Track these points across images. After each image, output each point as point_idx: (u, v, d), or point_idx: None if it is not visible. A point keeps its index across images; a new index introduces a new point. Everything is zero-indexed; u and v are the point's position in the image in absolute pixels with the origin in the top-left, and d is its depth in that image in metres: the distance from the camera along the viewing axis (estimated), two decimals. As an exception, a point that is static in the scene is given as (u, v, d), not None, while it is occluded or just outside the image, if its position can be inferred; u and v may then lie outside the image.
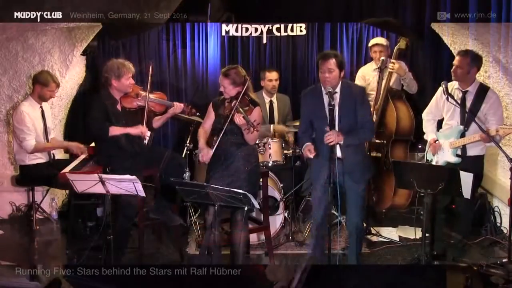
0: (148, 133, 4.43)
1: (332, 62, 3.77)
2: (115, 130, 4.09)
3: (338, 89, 3.84)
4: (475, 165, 4.18)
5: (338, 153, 3.83)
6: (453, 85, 4.28)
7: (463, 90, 4.20)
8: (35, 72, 5.20)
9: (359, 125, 3.84)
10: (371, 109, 4.99)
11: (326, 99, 3.83)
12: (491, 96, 4.16)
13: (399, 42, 5.30)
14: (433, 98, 4.46)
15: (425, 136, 4.46)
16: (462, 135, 4.17)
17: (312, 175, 4.13)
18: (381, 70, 5.27)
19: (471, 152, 4.19)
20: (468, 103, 4.17)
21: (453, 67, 4.20)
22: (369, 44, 5.58)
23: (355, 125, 3.83)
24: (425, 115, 4.49)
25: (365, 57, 6.01)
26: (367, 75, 5.58)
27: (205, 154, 3.90)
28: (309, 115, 4.00)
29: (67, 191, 5.52)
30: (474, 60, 4.14)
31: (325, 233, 3.97)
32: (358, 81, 5.58)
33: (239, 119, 3.69)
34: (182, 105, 4.31)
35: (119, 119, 4.14)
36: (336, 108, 3.81)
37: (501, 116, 4.17)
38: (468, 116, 4.13)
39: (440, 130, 4.38)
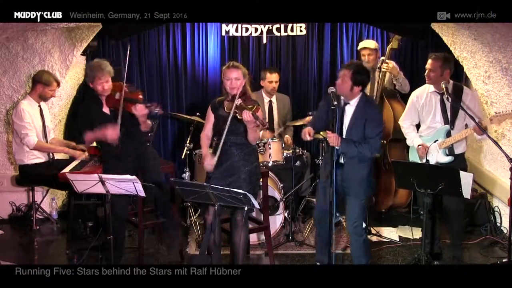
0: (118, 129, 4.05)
1: (345, 72, 3.76)
2: (88, 136, 3.99)
3: (353, 103, 3.82)
4: (462, 162, 4.25)
5: (341, 159, 3.86)
6: (427, 89, 4.30)
7: (440, 92, 4.22)
8: (35, 72, 5.22)
9: (364, 140, 3.79)
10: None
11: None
12: (467, 93, 4.23)
13: (392, 41, 5.33)
14: (408, 103, 4.47)
15: (408, 142, 4.45)
16: (448, 134, 4.19)
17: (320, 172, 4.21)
18: (380, 70, 5.29)
19: (458, 150, 4.24)
20: (447, 104, 4.21)
21: (426, 71, 4.24)
22: (358, 47, 5.60)
23: (361, 141, 3.79)
24: (402, 122, 4.49)
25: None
26: None
27: (208, 162, 3.84)
28: (322, 113, 3.98)
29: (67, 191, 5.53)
30: (446, 62, 4.19)
31: (324, 234, 3.95)
32: None
33: (247, 116, 3.62)
34: (142, 106, 3.96)
35: (105, 121, 4.02)
36: (347, 120, 3.82)
37: (479, 110, 4.24)
38: (451, 113, 4.17)
39: (421, 133, 4.39)
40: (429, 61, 4.24)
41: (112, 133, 3.94)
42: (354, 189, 3.86)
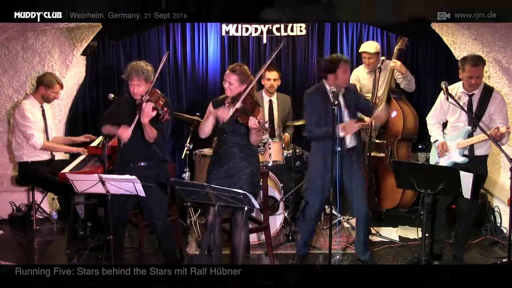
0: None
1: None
2: (105, 128, 3.95)
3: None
4: (482, 164, 4.24)
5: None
6: (457, 89, 4.26)
7: (469, 94, 4.19)
8: (36, 72, 5.26)
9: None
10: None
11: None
12: (496, 96, 4.17)
13: (399, 42, 5.33)
14: (436, 101, 4.45)
15: (431, 139, 4.45)
16: (470, 135, 4.17)
17: (312, 166, 4.31)
18: (381, 70, 5.28)
19: (478, 152, 4.21)
20: (474, 106, 4.17)
21: (470, 79, 4.10)
22: (359, 50, 5.61)
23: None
24: (429, 119, 4.48)
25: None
26: (361, 78, 5.60)
27: (224, 111, 3.71)
28: (318, 113, 4.13)
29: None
30: (484, 64, 4.14)
31: (312, 227, 4.47)
32: (352, 82, 5.58)
33: (253, 123, 3.61)
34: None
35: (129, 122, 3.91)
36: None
37: (505, 115, 4.18)
38: (469, 118, 4.14)
39: (445, 132, 4.38)
40: (470, 68, 4.06)
41: (122, 131, 3.82)
42: (353, 167, 4.16)
